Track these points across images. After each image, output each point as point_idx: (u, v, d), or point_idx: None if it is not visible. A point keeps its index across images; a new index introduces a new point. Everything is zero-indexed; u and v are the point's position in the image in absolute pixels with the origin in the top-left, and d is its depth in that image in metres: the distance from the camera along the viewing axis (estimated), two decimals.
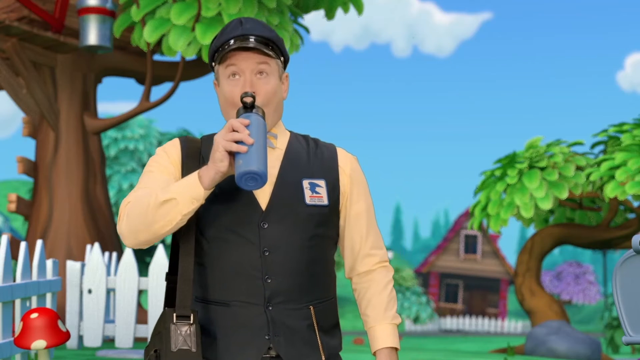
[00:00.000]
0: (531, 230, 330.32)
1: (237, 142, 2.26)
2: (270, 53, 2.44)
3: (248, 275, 2.41)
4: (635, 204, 16.05)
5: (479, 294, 59.05)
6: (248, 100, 2.33)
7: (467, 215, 58.39)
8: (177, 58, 16.12)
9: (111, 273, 10.32)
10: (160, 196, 2.32)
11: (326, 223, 2.50)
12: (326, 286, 2.52)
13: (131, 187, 38.00)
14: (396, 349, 2.56)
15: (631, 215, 16.79)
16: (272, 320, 2.42)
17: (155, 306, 9.20)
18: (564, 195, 14.18)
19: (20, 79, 12.85)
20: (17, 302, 6.98)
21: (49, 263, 8.00)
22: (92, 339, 9.34)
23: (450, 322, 53.08)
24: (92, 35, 12.08)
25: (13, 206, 12.94)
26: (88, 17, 12.11)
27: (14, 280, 9.95)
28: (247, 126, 2.29)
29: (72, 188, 13.07)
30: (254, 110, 2.34)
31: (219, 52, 2.46)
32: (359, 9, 13.61)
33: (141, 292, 11.78)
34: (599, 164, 14.28)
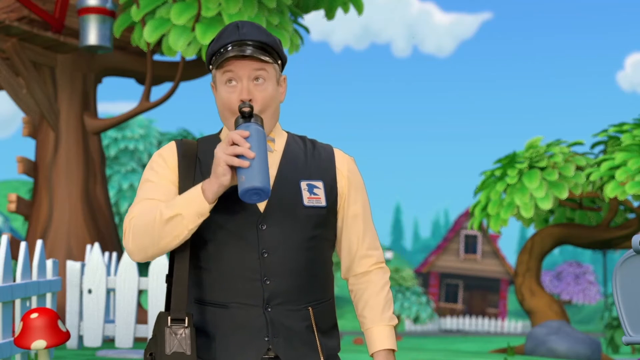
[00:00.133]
0: (531, 230, 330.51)
1: (238, 155, 2.27)
2: (267, 59, 2.44)
3: (247, 277, 2.42)
4: (635, 204, 16.05)
5: (479, 294, 59.05)
6: (246, 110, 2.34)
7: (467, 215, 58.40)
8: (177, 58, 16.13)
9: (111, 273, 10.32)
10: (165, 213, 2.34)
11: (324, 224, 2.50)
12: (324, 287, 2.52)
13: (131, 187, 38.03)
14: (393, 350, 2.57)
15: (631, 215, 16.79)
16: (271, 321, 2.42)
17: (155, 306, 9.20)
18: (564, 195, 14.18)
19: (20, 79, 12.85)
20: (17, 302, 6.98)
21: (49, 263, 8.00)
22: (92, 339, 9.34)
23: (450, 322, 53.08)
24: (92, 35, 12.08)
25: (13, 206, 12.94)
26: (88, 17, 12.11)
27: (14, 280, 9.95)
28: (247, 138, 2.30)
29: (72, 188, 13.07)
30: (252, 120, 2.34)
31: (216, 58, 2.46)
32: (359, 9, 13.61)
33: (141, 292, 11.78)
34: (599, 164, 14.28)
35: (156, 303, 9.21)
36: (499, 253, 58.17)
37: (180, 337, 2.36)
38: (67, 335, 3.48)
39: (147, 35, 11.70)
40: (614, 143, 14.82)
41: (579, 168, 14.75)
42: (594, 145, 15.44)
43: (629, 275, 3.71)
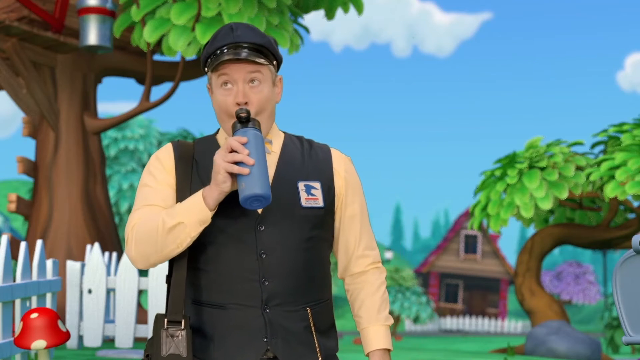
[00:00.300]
0: (531, 230, 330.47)
1: (237, 162, 2.28)
2: (262, 61, 2.44)
3: (245, 278, 2.42)
4: (635, 204, 16.05)
5: (479, 294, 59.06)
6: (243, 115, 2.34)
7: (467, 215, 58.40)
8: (177, 58, 16.13)
9: (111, 273, 10.32)
10: (168, 221, 2.35)
11: (322, 225, 2.51)
12: (322, 288, 2.53)
13: (131, 187, 38.02)
14: (389, 350, 2.58)
15: (631, 215, 16.79)
16: (270, 322, 2.43)
17: (155, 306, 9.20)
18: (564, 195, 14.19)
19: (20, 79, 12.85)
20: (17, 302, 6.98)
21: (49, 263, 8.00)
22: (92, 339, 9.34)
23: (450, 322, 53.09)
24: (92, 35, 12.09)
25: (13, 206, 12.94)
26: (88, 17, 12.11)
27: (14, 280, 9.95)
28: (245, 144, 2.30)
29: (72, 188, 13.07)
30: (249, 124, 2.35)
31: (211, 61, 2.46)
32: (359, 9, 13.61)
33: (141, 292, 11.78)
34: (599, 164, 14.28)
35: (156, 303, 9.21)
36: (499, 253, 58.17)
37: (176, 340, 2.37)
38: (67, 335, 3.48)
39: (147, 35, 11.70)
40: (614, 143, 14.83)
41: (579, 168, 14.75)
42: (594, 145, 15.44)
43: (629, 275, 3.71)
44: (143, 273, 37.30)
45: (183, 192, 2.47)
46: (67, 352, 9.21)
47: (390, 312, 35.67)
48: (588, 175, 14.30)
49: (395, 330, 35.96)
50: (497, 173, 15.15)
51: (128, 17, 12.22)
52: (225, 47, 2.44)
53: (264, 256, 2.43)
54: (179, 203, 2.38)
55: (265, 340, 2.42)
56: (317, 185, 2.51)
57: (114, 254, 10.21)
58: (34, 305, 7.63)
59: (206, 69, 2.51)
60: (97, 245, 9.34)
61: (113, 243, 13.42)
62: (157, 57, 15.42)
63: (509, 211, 14.43)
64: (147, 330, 9.30)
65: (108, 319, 10.72)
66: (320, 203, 2.49)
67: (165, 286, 9.24)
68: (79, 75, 13.37)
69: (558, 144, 15.19)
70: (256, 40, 2.45)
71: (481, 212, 14.97)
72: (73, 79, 13.29)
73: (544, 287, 16.61)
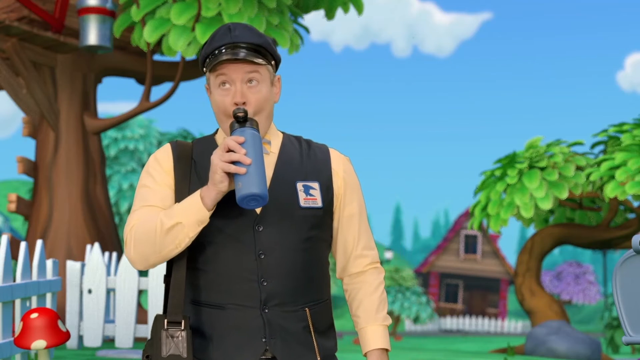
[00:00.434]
0: (531, 230, 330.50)
1: (234, 162, 2.28)
2: (260, 61, 2.44)
3: (244, 278, 2.42)
4: (635, 204, 16.05)
5: (479, 294, 59.06)
6: (240, 114, 2.34)
7: (467, 215, 58.40)
8: (177, 58, 16.13)
9: (111, 273, 10.32)
10: (166, 222, 2.35)
11: (320, 225, 2.50)
12: (321, 288, 2.53)
13: (131, 187, 38.02)
14: (387, 350, 2.58)
15: (631, 215, 16.79)
16: (268, 322, 2.43)
17: (155, 306, 9.20)
18: (564, 195, 14.19)
19: (20, 79, 12.85)
20: (17, 302, 6.98)
21: (49, 263, 8.00)
22: (92, 339, 9.34)
23: (450, 322, 53.09)
24: (92, 35, 12.09)
25: (13, 206, 12.94)
26: (88, 17, 12.11)
27: (14, 280, 9.95)
28: (242, 143, 2.30)
29: (72, 188, 13.07)
30: (247, 124, 2.35)
31: (209, 61, 2.47)
32: (359, 9, 13.61)
33: (141, 292, 11.78)
34: (599, 164, 14.28)
35: (156, 303, 9.21)
36: (499, 253, 58.17)
37: (176, 340, 2.38)
38: (67, 335, 3.48)
39: (147, 35, 11.70)
40: (614, 143, 14.83)
41: (579, 168, 14.75)
42: (594, 145, 15.44)
43: (629, 275, 3.71)
44: (143, 273, 37.31)
45: (182, 192, 2.47)
46: (67, 352, 9.21)
47: (390, 312, 35.66)
48: (588, 175, 14.31)
49: (395, 330, 35.97)
50: (497, 173, 15.15)
51: (128, 17, 12.22)
52: (223, 47, 2.44)
53: (263, 256, 2.43)
54: (177, 203, 2.39)
55: (263, 340, 2.42)
56: (315, 185, 2.51)
57: (114, 254, 10.21)
58: (34, 305, 7.63)
59: (204, 69, 2.51)
60: (97, 245, 9.34)
61: (113, 243, 13.42)
62: (157, 57, 15.42)
63: (509, 211, 14.43)
64: (147, 330, 9.30)
65: (108, 319, 10.72)
66: (319, 203, 2.49)
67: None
68: (79, 75, 13.37)
69: (558, 144, 15.19)
70: (254, 40, 2.45)
71: (481, 212, 14.98)
72: (73, 79, 13.29)
73: (544, 287, 16.61)
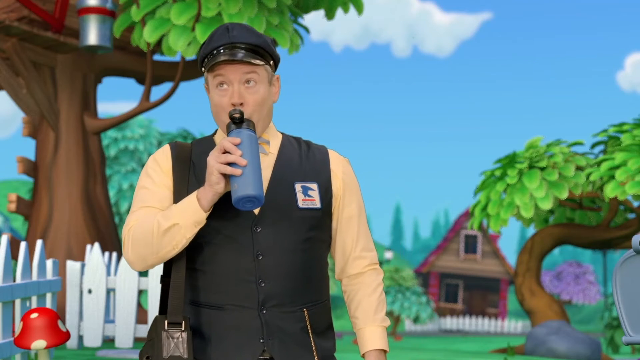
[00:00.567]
0: (531, 230, 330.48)
1: (230, 163, 2.28)
2: (258, 62, 2.44)
3: (242, 279, 2.42)
4: (635, 204, 16.05)
5: (479, 294, 59.06)
6: (237, 115, 2.34)
7: (467, 215, 58.41)
8: (177, 58, 16.13)
9: (111, 273, 10.32)
10: (163, 223, 2.35)
11: (319, 226, 2.50)
12: (319, 289, 2.53)
13: (131, 187, 38.02)
14: (385, 351, 2.57)
15: (631, 215, 16.79)
16: (266, 323, 2.43)
17: (155, 306, 9.20)
18: (564, 195, 14.18)
19: (20, 79, 12.85)
20: (17, 302, 6.98)
21: (49, 263, 8.00)
22: (92, 339, 9.34)
23: (450, 322, 53.09)
24: (92, 35, 12.09)
25: (13, 206, 12.94)
26: (88, 17, 12.11)
27: (14, 280, 9.95)
28: (239, 145, 2.30)
29: (72, 188, 13.07)
30: (243, 125, 2.34)
31: (207, 61, 2.46)
32: (359, 9, 13.61)
33: (141, 292, 11.78)
34: (599, 164, 14.28)
35: (156, 303, 9.21)
36: (499, 253, 58.17)
37: (177, 341, 2.37)
38: (67, 335, 3.48)
39: (147, 35, 11.70)
40: (614, 143, 14.83)
41: (579, 168, 14.75)
42: (594, 145, 15.44)
43: (629, 275, 3.71)
44: (143, 273, 37.30)
45: (180, 193, 2.47)
46: (67, 352, 9.21)
47: (390, 312, 35.65)
48: (588, 175, 14.30)
49: (395, 330, 35.97)
50: (497, 173, 15.15)
51: (128, 17, 12.22)
52: (221, 48, 2.43)
53: (261, 257, 2.43)
54: (174, 205, 2.38)
55: (261, 341, 2.42)
56: (314, 186, 2.50)
57: (114, 254, 10.22)
58: (34, 305, 7.63)
59: (203, 69, 2.51)
60: (97, 245, 9.34)
61: (113, 243, 13.42)
62: (157, 57, 15.42)
63: (509, 211, 14.43)
64: (147, 330, 9.30)
65: (108, 319, 10.72)
66: (317, 204, 2.49)
67: None
68: (79, 75, 13.37)
69: (558, 144, 15.19)
70: (252, 41, 2.44)
71: (481, 212, 14.97)
72: (73, 79, 13.29)
73: (544, 287, 16.61)
